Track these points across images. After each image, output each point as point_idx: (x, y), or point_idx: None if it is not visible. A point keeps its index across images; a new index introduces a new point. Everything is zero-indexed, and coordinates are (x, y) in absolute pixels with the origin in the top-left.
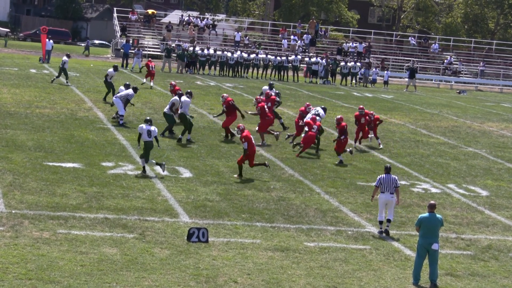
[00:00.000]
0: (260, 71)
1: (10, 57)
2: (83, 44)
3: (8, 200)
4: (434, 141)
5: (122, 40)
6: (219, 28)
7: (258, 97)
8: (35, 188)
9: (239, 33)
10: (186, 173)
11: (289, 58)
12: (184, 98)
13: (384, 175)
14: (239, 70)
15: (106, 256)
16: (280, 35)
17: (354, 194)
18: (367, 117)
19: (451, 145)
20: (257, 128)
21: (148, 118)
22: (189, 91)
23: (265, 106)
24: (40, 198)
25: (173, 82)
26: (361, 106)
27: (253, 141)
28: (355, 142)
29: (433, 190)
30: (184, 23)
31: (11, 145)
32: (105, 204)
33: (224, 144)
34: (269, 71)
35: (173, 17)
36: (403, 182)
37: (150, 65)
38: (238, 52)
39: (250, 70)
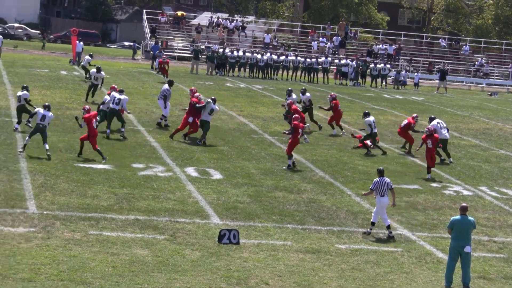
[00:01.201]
0: (290, 73)
1: (41, 59)
2: (113, 46)
3: (39, 201)
4: (465, 144)
5: (151, 42)
6: (249, 30)
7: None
8: (66, 189)
9: (269, 35)
10: (216, 175)
11: (319, 60)
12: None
13: (379, 178)
14: (269, 72)
15: (137, 258)
16: (309, 37)
17: None
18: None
19: (483, 147)
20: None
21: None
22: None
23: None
24: (72, 199)
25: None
26: (416, 115)
27: (94, 125)
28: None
29: (465, 192)
30: (214, 25)
31: (42, 147)
32: (136, 205)
33: (254, 146)
34: (298, 73)
35: (203, 19)
36: (434, 185)
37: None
38: (268, 54)
39: (280, 72)
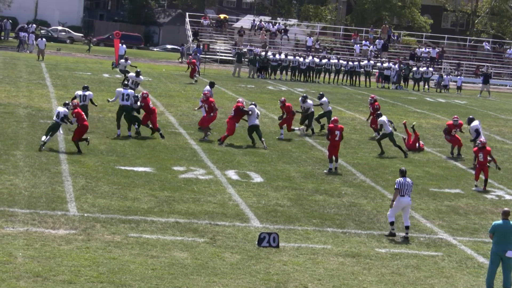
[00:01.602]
0: (332, 76)
1: (83, 62)
2: (156, 49)
3: (80, 203)
4: (508, 148)
5: (194, 45)
6: (291, 33)
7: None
8: (107, 191)
9: (311, 38)
10: (257, 178)
11: (361, 63)
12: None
13: (401, 178)
14: (311, 75)
15: (177, 260)
16: (352, 40)
17: (426, 201)
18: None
19: None
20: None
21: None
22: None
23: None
24: (112, 202)
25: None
26: (456, 116)
27: (85, 118)
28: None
29: (507, 197)
30: (256, 28)
31: (83, 149)
32: (176, 208)
33: (296, 149)
34: (340, 76)
35: (245, 22)
36: (476, 189)
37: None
38: (310, 57)
39: (322, 75)
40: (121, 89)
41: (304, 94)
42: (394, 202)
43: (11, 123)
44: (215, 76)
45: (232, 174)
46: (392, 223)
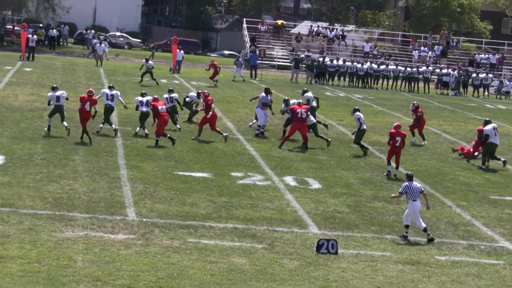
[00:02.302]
0: (390, 82)
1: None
2: (213, 55)
3: (139, 208)
4: None
5: (249, 51)
6: (349, 39)
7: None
8: (166, 197)
9: (369, 43)
10: (315, 184)
11: (420, 69)
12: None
13: (408, 182)
14: (369, 81)
15: (236, 266)
16: (410, 46)
17: (486, 208)
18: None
19: None
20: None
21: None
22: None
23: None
24: (170, 207)
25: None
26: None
27: (87, 108)
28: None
29: None
30: (314, 33)
31: (142, 154)
32: (234, 214)
33: (354, 156)
34: (399, 82)
35: (302, 27)
36: None
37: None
38: (368, 63)
39: (380, 81)
40: (105, 90)
41: (286, 98)
42: (408, 209)
43: (71, 128)
44: (273, 82)
45: (290, 180)
46: (407, 226)
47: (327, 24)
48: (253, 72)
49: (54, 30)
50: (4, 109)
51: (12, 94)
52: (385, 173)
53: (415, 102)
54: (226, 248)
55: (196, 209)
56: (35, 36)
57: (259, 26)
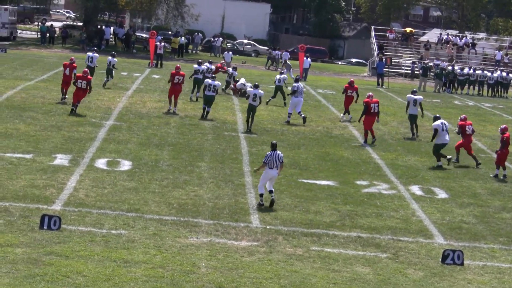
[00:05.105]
0: None
1: (268, 75)
2: (340, 63)
3: (263, 215)
4: None
5: (377, 59)
6: (479, 47)
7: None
8: (290, 204)
9: (500, 52)
10: (442, 194)
11: None
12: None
13: (271, 152)
14: (499, 90)
15: (359, 275)
16: None
17: None
18: None
19: None
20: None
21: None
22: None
23: None
24: (294, 215)
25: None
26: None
27: (67, 72)
28: None
29: None
30: (443, 41)
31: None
32: (359, 222)
33: (482, 166)
34: None
35: (432, 35)
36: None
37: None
38: (498, 72)
39: (511, 90)
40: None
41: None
42: (262, 174)
43: (197, 135)
44: (400, 90)
45: (416, 189)
46: (261, 195)
47: (457, 32)
48: (380, 80)
49: (183, 38)
50: (132, 116)
51: (140, 100)
52: (491, 175)
53: (504, 125)
54: (349, 257)
55: (320, 217)
56: (162, 43)
57: (387, 34)
